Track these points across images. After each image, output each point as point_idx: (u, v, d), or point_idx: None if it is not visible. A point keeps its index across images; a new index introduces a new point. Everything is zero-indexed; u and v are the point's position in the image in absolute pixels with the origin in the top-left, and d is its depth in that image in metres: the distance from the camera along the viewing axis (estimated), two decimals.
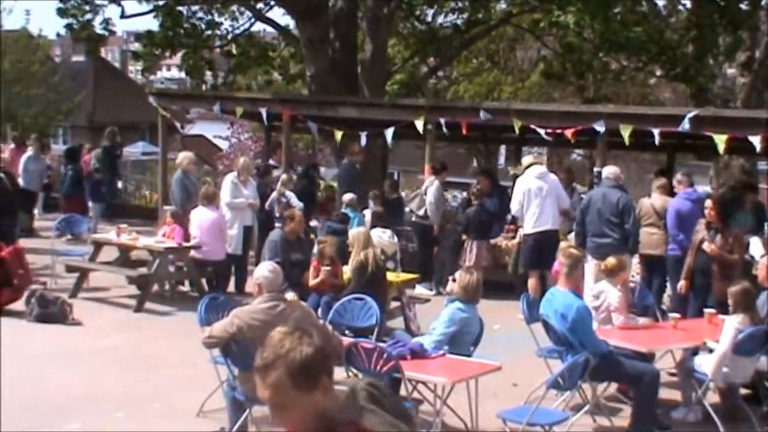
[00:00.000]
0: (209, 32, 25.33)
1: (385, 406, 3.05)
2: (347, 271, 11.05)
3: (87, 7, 23.69)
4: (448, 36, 24.99)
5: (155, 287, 13.41)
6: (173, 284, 13.85)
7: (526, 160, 14.19)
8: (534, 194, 12.87)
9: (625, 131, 13.68)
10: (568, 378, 7.40)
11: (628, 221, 11.81)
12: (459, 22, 25.25)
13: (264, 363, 3.04)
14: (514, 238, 14.51)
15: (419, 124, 15.28)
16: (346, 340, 7.76)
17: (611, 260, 9.46)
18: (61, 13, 23.59)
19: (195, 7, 24.96)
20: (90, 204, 18.82)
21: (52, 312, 11.77)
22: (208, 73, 26.41)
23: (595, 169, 14.38)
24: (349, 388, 3.08)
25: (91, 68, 43.89)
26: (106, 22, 24.41)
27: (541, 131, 14.47)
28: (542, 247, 12.72)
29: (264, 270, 7.33)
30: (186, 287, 14.00)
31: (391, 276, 11.55)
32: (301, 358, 3.01)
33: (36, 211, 19.56)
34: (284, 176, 15.41)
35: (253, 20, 25.34)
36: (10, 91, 26.79)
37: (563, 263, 8.33)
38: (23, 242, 14.83)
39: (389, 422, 3.01)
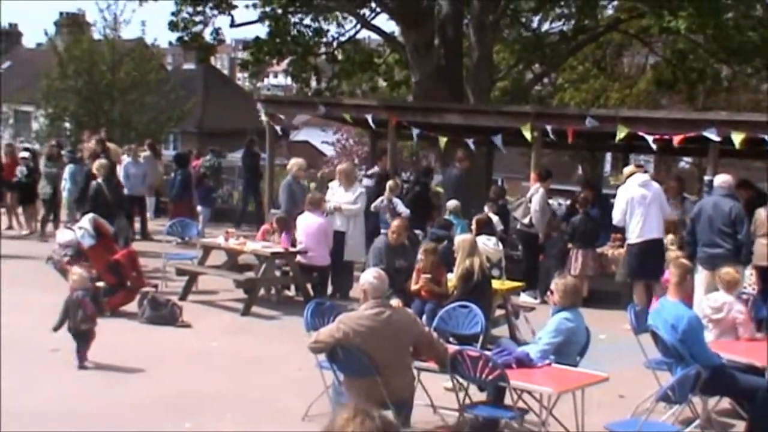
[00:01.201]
0: (316, 39, 25.63)
1: None
2: (451, 278, 11.03)
3: (197, 18, 24.23)
4: (554, 42, 24.79)
5: (262, 291, 13.63)
6: (279, 289, 14.05)
7: (628, 168, 13.96)
8: (637, 203, 12.65)
9: (737, 138, 13.35)
10: (678, 391, 7.24)
11: (741, 231, 11.52)
12: (565, 28, 25.03)
13: None
14: (621, 246, 14.28)
15: (525, 131, 15.19)
16: (451, 348, 7.75)
17: (730, 271, 9.20)
18: (173, 26, 24.21)
19: (302, 15, 25.29)
20: (198, 208, 19.22)
21: (163, 314, 12.06)
22: (314, 79, 26.75)
23: (706, 178, 14.07)
24: None
25: (201, 76, 44.85)
26: (216, 31, 24.97)
27: (649, 138, 14.22)
28: (647, 256, 12.50)
29: (369, 276, 7.36)
30: (292, 292, 14.18)
31: (496, 284, 11.49)
32: None
33: (148, 215, 20.03)
34: (391, 182, 15.45)
35: (358, 27, 25.54)
36: (126, 98, 27.61)
37: (673, 273, 8.17)
38: (136, 245, 15.27)
39: None
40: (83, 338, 9.88)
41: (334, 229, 13.95)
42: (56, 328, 9.95)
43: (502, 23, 23.57)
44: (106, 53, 27.88)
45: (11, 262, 15.73)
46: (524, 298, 13.98)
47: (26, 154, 19.87)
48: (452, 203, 14.58)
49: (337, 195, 14.24)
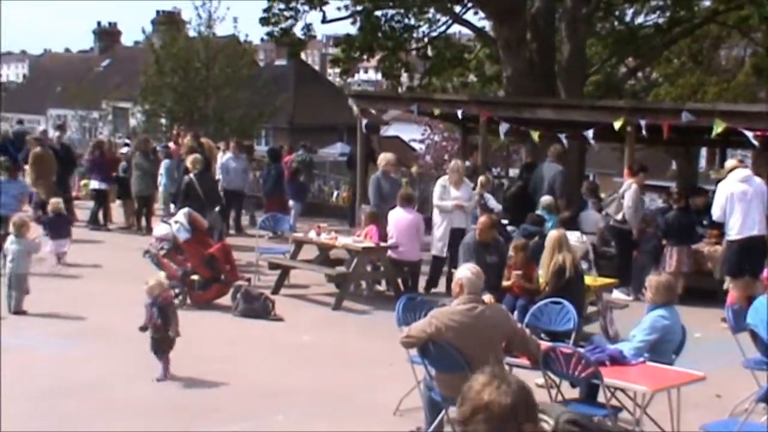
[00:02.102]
0: (406, 35, 25.65)
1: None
2: (542, 274, 10.95)
3: (288, 14, 24.48)
4: (649, 36, 24.36)
5: (353, 286, 13.72)
6: (370, 283, 14.13)
7: (729, 163, 13.64)
8: (738, 198, 12.37)
9: None
10: None
11: None
12: (660, 21, 24.57)
13: (464, 417, 2.96)
14: (717, 243, 13.98)
15: (619, 126, 14.98)
16: (544, 344, 7.70)
17: None
18: (264, 21, 24.51)
19: (392, 11, 25.34)
20: (290, 203, 19.43)
21: (256, 307, 12.23)
22: (404, 75, 26.78)
23: None
24: (552, 428, 3.00)
25: (292, 71, 45.32)
26: (307, 27, 25.19)
27: (749, 134, 13.90)
28: (748, 253, 12.21)
29: (467, 271, 7.34)
30: (382, 287, 14.24)
31: (588, 280, 11.36)
32: (501, 410, 2.91)
33: (243, 210, 20.32)
34: (482, 178, 15.41)
35: (449, 22, 25.48)
36: (220, 94, 28.06)
37: None
38: (230, 240, 15.51)
39: None
40: (155, 347, 9.41)
41: (455, 226, 13.94)
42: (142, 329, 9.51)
43: (594, 17, 23.27)
44: (200, 50, 28.38)
45: (111, 254, 16.15)
46: (617, 295, 13.80)
47: (126, 150, 20.37)
48: (546, 199, 14.44)
49: (452, 192, 14.17)
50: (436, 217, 14.06)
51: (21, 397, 8.59)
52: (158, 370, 9.31)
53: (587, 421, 2.99)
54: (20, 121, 27.45)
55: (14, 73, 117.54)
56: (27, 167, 18.33)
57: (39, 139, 19.77)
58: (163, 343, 9.34)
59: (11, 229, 12.26)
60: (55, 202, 15.45)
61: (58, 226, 15.18)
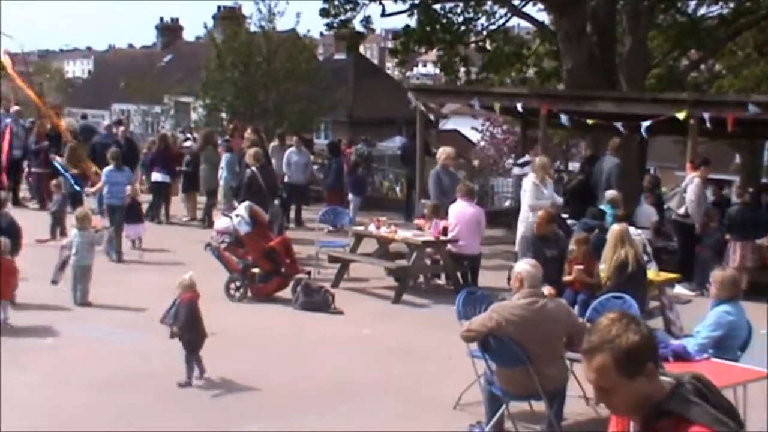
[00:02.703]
0: (464, 28, 25.57)
1: (710, 401, 3.02)
2: (603, 268, 10.86)
3: (349, 6, 24.55)
4: (712, 27, 23.97)
5: (412, 279, 13.73)
6: (429, 277, 14.13)
7: None
8: None
9: None
10: None
11: None
12: (724, 12, 24.17)
13: (590, 347, 3.09)
14: None
15: (683, 117, 14.79)
16: None
17: None
18: (324, 13, 24.60)
19: (451, 4, 25.27)
20: (350, 196, 19.50)
21: (316, 300, 12.31)
22: (462, 69, 26.69)
23: None
24: (674, 379, 3.06)
25: (351, 65, 45.41)
26: (366, 20, 25.24)
27: None
28: None
29: (526, 265, 7.33)
30: (442, 280, 14.23)
31: (651, 275, 11.24)
32: (627, 345, 3.02)
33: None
34: None
35: (508, 15, 25.34)
36: (280, 88, 28.22)
37: None
38: (290, 233, 15.61)
39: (715, 418, 2.97)
40: (186, 346, 9.09)
41: None
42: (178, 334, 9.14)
43: (656, 8, 22.96)
44: (261, 45, 28.54)
45: (173, 247, 16.37)
46: (680, 290, 13.63)
47: (189, 144, 20.63)
48: (611, 193, 14.19)
49: (544, 191, 14.05)
50: (528, 215, 13.84)
51: (84, 387, 8.76)
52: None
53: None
54: (84, 116, 27.88)
55: (80, 69, 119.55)
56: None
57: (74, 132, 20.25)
58: (192, 345, 9.02)
59: (74, 221, 12.48)
60: (134, 189, 15.89)
61: (134, 212, 15.73)
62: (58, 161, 18.57)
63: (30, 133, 20.65)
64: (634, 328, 3.06)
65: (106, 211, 15.60)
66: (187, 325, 8.97)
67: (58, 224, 16.01)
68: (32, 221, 15.73)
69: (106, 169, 15.76)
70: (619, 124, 15.68)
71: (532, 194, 13.92)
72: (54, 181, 17.24)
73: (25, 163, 20.80)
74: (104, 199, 15.83)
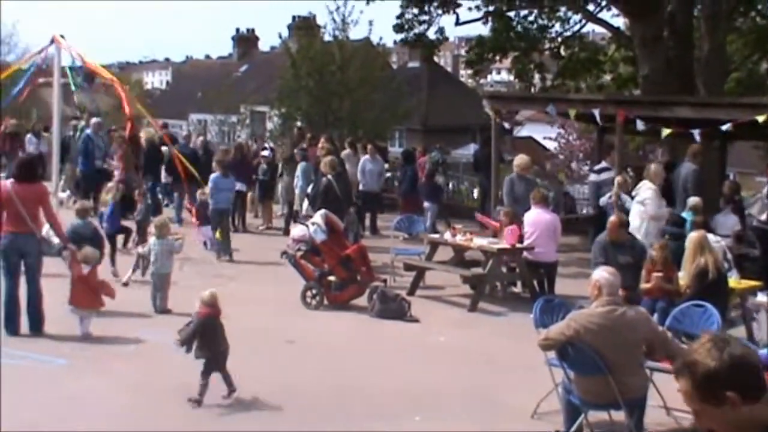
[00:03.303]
0: (539, 35, 25.46)
1: None
2: (682, 276, 10.70)
3: (422, 18, 24.61)
4: None
5: (488, 287, 13.68)
6: (505, 285, 14.07)
7: None
8: None
9: None
10: None
11: None
12: None
13: (675, 368, 3.05)
14: None
15: (761, 121, 14.48)
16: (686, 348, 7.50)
17: None
18: (398, 28, 24.72)
19: (525, 12, 25.19)
20: (426, 204, 19.49)
21: (392, 308, 12.33)
22: (537, 76, 26.57)
23: None
24: None
25: (425, 73, 45.44)
26: (440, 30, 25.29)
27: None
28: None
29: (603, 272, 7.26)
30: (518, 288, 14.16)
31: (732, 283, 11.04)
32: (702, 372, 2.94)
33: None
34: (619, 178, 15.14)
35: (583, 22, 25.16)
36: (354, 97, 28.33)
37: None
38: (366, 241, 15.68)
39: None
40: (205, 366, 8.71)
41: None
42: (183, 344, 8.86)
43: (735, 12, 22.57)
44: (335, 54, 28.71)
45: (249, 256, 16.56)
46: (762, 298, 13.31)
47: (266, 153, 20.85)
48: (694, 200, 13.89)
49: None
50: (646, 225, 13.54)
51: (162, 393, 8.89)
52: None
53: None
54: (165, 125, 28.38)
55: (158, 80, 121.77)
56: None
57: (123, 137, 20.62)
58: (210, 363, 8.66)
59: (153, 229, 12.70)
60: (205, 192, 16.54)
61: (205, 215, 16.41)
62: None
63: (111, 142, 21.08)
64: (715, 354, 2.93)
65: (212, 216, 16.40)
66: (204, 342, 8.65)
67: (141, 232, 16.31)
68: None
69: (213, 175, 16.76)
70: (696, 133, 15.41)
71: (654, 203, 13.66)
72: (137, 190, 17.60)
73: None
74: (211, 204, 16.50)
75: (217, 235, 16.16)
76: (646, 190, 13.88)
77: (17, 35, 57.94)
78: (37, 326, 10.76)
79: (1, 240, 10.75)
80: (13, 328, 10.68)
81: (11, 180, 10.91)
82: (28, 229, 10.62)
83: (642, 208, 13.54)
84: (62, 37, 15.92)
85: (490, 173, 19.02)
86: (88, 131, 20.84)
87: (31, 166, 11.22)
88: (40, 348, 10.18)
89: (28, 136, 24.05)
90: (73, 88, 18.02)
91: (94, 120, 21.40)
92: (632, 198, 14.10)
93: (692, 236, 10.67)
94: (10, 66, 22.61)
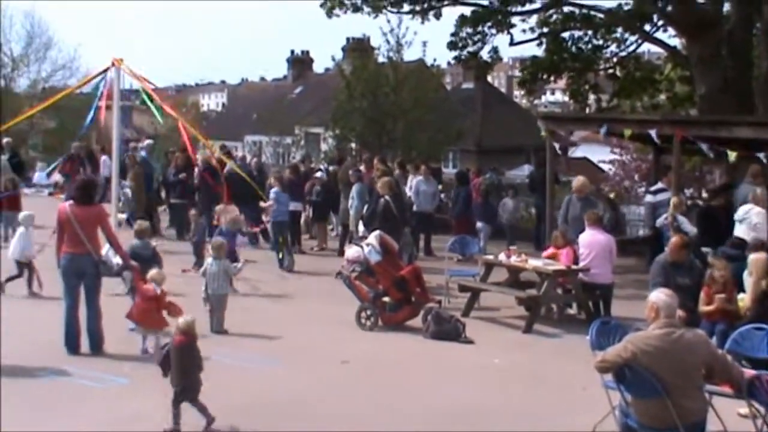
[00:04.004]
0: (594, 56, 25.38)
1: None
2: (742, 298, 10.55)
3: (476, 37, 24.68)
4: None
5: (543, 309, 13.61)
6: (561, 306, 13.98)
7: None
8: None
9: None
10: None
11: None
12: None
13: None
14: None
15: None
16: (748, 372, 7.41)
17: None
18: (452, 45, 24.79)
19: (580, 32, 25.14)
20: (479, 225, 19.45)
21: (447, 329, 12.30)
22: (591, 97, 26.47)
23: None
24: None
25: (479, 94, 45.44)
26: (494, 50, 25.32)
27: None
28: None
29: (661, 294, 7.18)
30: (573, 310, 14.05)
31: None
32: None
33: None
34: (675, 199, 15.00)
35: (639, 42, 25.03)
36: (408, 118, 28.43)
37: None
38: (420, 262, 15.68)
39: None
40: (176, 396, 8.43)
41: None
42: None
43: None
44: (389, 75, 28.84)
45: (303, 276, 16.67)
46: None
47: (320, 174, 20.97)
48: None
49: None
50: None
51: (218, 413, 8.95)
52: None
53: None
54: (223, 146, 28.71)
55: (214, 102, 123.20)
56: None
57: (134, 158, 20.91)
58: (182, 392, 8.39)
59: (210, 250, 12.80)
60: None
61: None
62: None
63: (169, 164, 21.37)
64: None
65: (273, 228, 17.30)
66: (178, 371, 8.40)
67: (198, 253, 16.48)
68: (171, 250, 16.32)
69: (273, 189, 17.82)
70: (762, 156, 15.19)
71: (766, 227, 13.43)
72: (193, 211, 17.79)
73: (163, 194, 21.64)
74: (271, 217, 17.77)
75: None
76: (756, 214, 13.67)
77: (78, 60, 58.68)
78: (96, 346, 10.93)
79: (61, 261, 10.94)
80: (73, 348, 10.85)
81: (70, 201, 11.11)
82: (86, 250, 10.79)
83: (754, 234, 13.30)
84: (121, 60, 16.21)
85: (544, 194, 18.95)
86: (143, 153, 21.17)
87: (90, 188, 11.41)
88: (100, 367, 10.33)
89: (104, 158, 24.35)
90: (154, 110, 18.42)
91: (147, 142, 21.74)
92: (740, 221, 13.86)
93: (755, 259, 10.51)
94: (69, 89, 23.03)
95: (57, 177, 26.07)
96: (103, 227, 11.05)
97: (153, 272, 11.32)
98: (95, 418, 8.70)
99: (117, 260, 11.88)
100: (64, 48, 57.69)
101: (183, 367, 8.38)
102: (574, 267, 13.22)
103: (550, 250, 14.10)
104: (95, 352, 10.87)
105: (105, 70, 16.49)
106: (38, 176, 28.87)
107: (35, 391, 9.14)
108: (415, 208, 19.50)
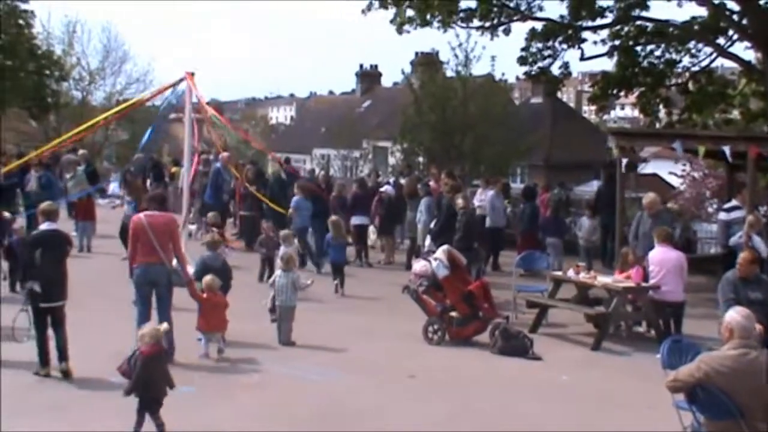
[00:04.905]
0: (666, 70, 25.08)
1: None
2: None
3: (547, 53, 24.57)
4: None
5: (612, 326, 13.45)
6: (630, 324, 13.80)
7: None
8: None
9: None
10: None
11: None
12: None
13: None
14: None
15: None
16: None
17: None
18: (522, 60, 24.71)
19: (652, 46, 24.86)
20: (549, 240, 19.29)
21: (515, 345, 12.23)
22: (662, 111, 26.15)
23: None
24: None
25: (548, 109, 45.15)
26: (565, 65, 25.17)
27: None
28: None
29: (736, 315, 7.05)
30: (642, 328, 13.87)
31: None
32: None
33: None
34: (751, 218, 14.72)
35: (713, 56, 24.67)
36: (476, 132, 28.41)
37: None
38: (487, 277, 15.61)
39: None
40: (140, 405, 8.24)
41: None
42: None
43: None
44: (458, 89, 28.85)
45: (369, 290, 16.71)
46: None
47: (386, 188, 21.02)
48: None
49: None
50: None
51: (285, 424, 9.02)
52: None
53: None
54: (287, 160, 28.96)
55: (283, 115, 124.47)
56: None
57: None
58: (144, 402, 8.20)
59: (279, 263, 12.90)
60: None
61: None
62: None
63: (240, 176, 21.61)
64: None
65: (295, 232, 17.22)
66: (139, 382, 8.13)
67: (267, 265, 16.62)
68: (240, 262, 16.49)
69: (296, 198, 18.44)
70: None
71: None
72: (264, 224, 17.97)
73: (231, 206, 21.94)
74: (295, 223, 18.23)
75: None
76: None
77: (151, 73, 59.69)
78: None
79: (135, 271, 11.14)
80: None
81: (144, 212, 11.33)
82: (159, 259, 10.99)
83: None
84: (193, 74, 16.44)
85: (610, 211, 18.72)
86: (218, 165, 21.42)
87: (162, 199, 11.66)
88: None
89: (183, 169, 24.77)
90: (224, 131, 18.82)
91: (223, 154, 21.97)
92: None
93: None
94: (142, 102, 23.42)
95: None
96: (172, 238, 11.24)
97: (207, 278, 11.59)
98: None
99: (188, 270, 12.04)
100: (139, 62, 58.72)
101: (150, 378, 8.17)
102: (644, 284, 13.05)
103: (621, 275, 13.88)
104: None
105: (176, 83, 16.72)
106: (113, 187, 29.46)
107: (108, 401, 9.24)
108: (488, 223, 19.47)
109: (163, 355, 8.56)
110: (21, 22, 35.24)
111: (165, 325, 8.62)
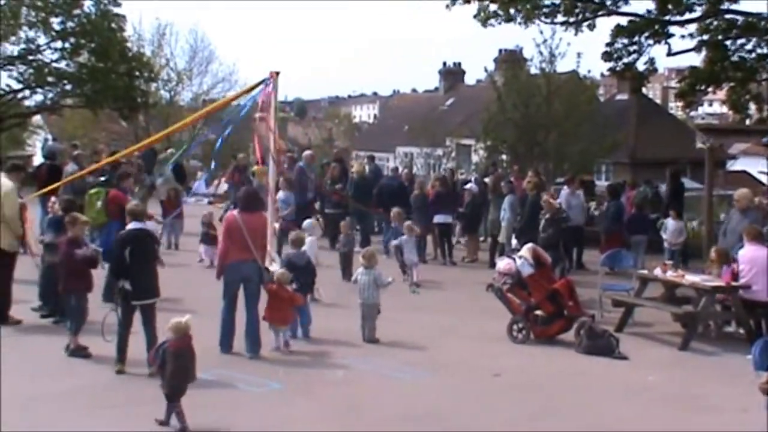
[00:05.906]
0: (758, 65, 24.52)
1: None
2: None
3: (632, 48, 24.25)
4: None
5: (701, 326, 13.22)
6: (719, 324, 13.54)
7: None
8: None
9: None
10: None
11: None
12: None
13: None
14: None
15: None
16: None
17: None
18: (607, 56, 24.42)
19: (743, 40, 24.34)
20: (635, 238, 19.02)
21: (600, 344, 12.10)
22: (753, 108, 25.61)
23: None
24: None
25: (634, 105, 44.48)
26: (651, 61, 24.81)
27: None
28: None
29: None
30: (732, 328, 13.59)
31: None
32: None
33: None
34: None
35: None
36: (560, 129, 28.09)
37: None
38: (571, 276, 15.49)
39: None
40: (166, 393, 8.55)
41: None
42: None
43: None
44: (542, 86, 28.58)
45: (454, 289, 16.71)
46: None
47: (470, 186, 20.98)
48: None
49: None
50: None
51: (369, 422, 9.06)
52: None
53: None
54: (372, 158, 29.07)
55: (366, 114, 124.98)
56: None
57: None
58: (169, 391, 8.49)
59: (362, 260, 12.99)
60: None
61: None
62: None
63: (324, 174, 21.80)
64: None
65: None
66: (172, 372, 8.45)
67: (347, 264, 16.72)
68: (327, 260, 16.65)
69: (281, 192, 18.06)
70: None
71: None
72: (343, 222, 18.06)
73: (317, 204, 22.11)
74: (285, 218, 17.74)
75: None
76: None
77: (236, 73, 60.46)
78: (254, 350, 11.25)
79: (226, 267, 11.34)
80: (226, 347, 11.31)
81: (237, 210, 11.54)
82: (251, 256, 11.21)
83: None
84: (278, 73, 16.59)
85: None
86: (301, 163, 21.63)
87: (255, 197, 11.85)
88: (257, 371, 10.62)
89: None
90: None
91: (307, 152, 22.18)
92: None
93: None
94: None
95: (215, 186, 26.98)
96: (264, 236, 11.48)
97: (278, 272, 11.74)
98: (249, 421, 8.93)
99: (273, 267, 12.18)
100: (224, 62, 59.56)
101: (180, 370, 8.44)
102: (733, 284, 12.79)
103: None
104: (253, 356, 11.18)
105: (261, 82, 16.88)
106: (197, 185, 29.95)
107: (199, 393, 9.39)
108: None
109: (190, 348, 8.64)
110: (113, 26, 35.98)
111: (188, 317, 8.74)
